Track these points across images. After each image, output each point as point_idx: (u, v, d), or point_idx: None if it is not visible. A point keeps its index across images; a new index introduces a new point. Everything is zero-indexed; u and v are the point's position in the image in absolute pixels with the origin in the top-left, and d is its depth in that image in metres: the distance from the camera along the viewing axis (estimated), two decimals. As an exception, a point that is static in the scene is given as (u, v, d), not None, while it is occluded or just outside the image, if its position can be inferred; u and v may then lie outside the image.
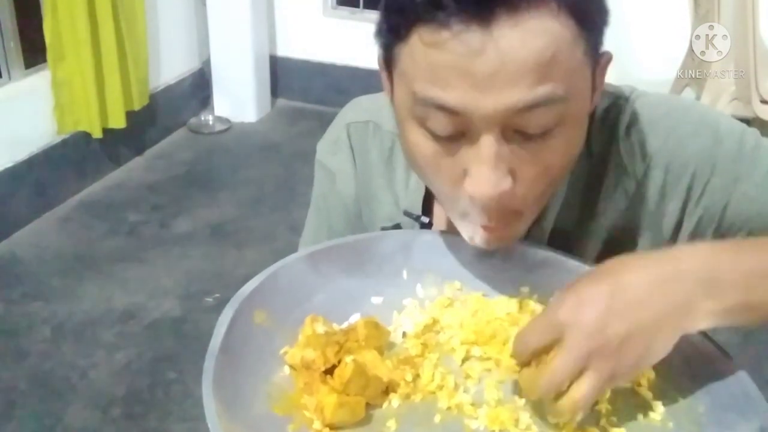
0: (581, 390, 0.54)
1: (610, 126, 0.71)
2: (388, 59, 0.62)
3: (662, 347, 0.56)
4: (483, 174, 0.58)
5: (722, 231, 0.70)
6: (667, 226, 0.72)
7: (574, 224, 0.75)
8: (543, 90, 0.55)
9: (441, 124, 0.58)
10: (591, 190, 0.73)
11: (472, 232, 0.66)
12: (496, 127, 0.57)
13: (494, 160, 0.57)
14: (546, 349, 0.56)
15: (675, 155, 0.69)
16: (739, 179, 0.68)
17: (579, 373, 0.54)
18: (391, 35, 0.60)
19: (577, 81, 0.58)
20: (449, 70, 0.55)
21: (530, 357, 0.57)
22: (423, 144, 0.61)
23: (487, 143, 0.57)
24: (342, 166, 0.84)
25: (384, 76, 0.66)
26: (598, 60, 0.62)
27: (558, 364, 0.54)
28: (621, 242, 0.74)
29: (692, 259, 0.57)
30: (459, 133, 0.58)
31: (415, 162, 0.64)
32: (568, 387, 0.55)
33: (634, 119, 0.71)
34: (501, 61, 0.54)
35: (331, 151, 0.85)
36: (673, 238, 0.73)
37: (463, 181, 0.60)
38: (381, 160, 0.82)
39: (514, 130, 0.57)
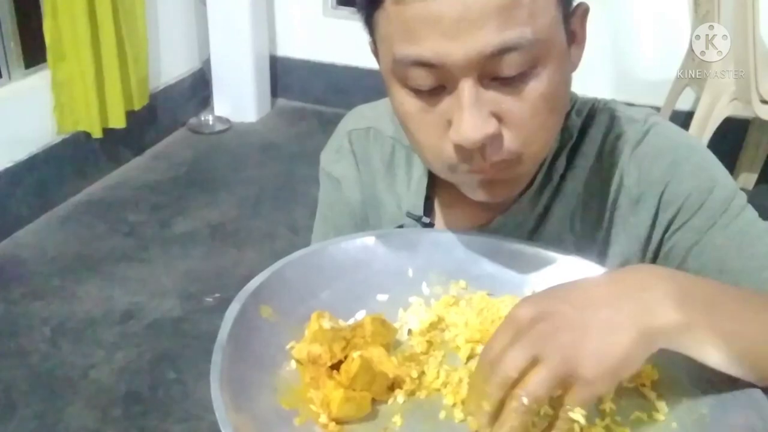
0: (530, 376, 0.51)
1: (622, 144, 0.74)
2: (371, 30, 0.66)
3: (628, 345, 0.52)
4: (464, 119, 0.60)
5: (683, 269, 0.72)
6: (649, 252, 0.75)
7: (575, 222, 0.77)
8: (510, 33, 0.58)
9: (421, 78, 0.61)
10: (595, 197, 0.76)
11: (472, 184, 0.68)
12: (471, 74, 0.59)
13: (474, 105, 0.60)
14: None
15: (670, 188, 0.72)
16: (714, 227, 0.71)
17: (530, 361, 0.51)
18: (368, 5, 0.64)
19: (545, 24, 0.60)
20: (418, 22, 0.58)
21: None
22: (407, 102, 0.64)
23: (466, 89, 0.60)
24: (346, 173, 0.86)
25: (373, 50, 0.69)
26: (572, 9, 0.65)
27: (509, 350, 0.52)
28: (611, 262, 0.76)
29: (661, 272, 0.57)
30: (439, 86, 0.61)
31: (403, 123, 0.67)
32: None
33: (645, 143, 0.74)
34: (464, 6, 0.57)
35: (334, 159, 0.87)
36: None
37: (448, 133, 0.62)
38: (382, 165, 0.84)
39: (491, 77, 0.60)
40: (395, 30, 0.61)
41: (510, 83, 0.60)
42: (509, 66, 0.59)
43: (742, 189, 0.73)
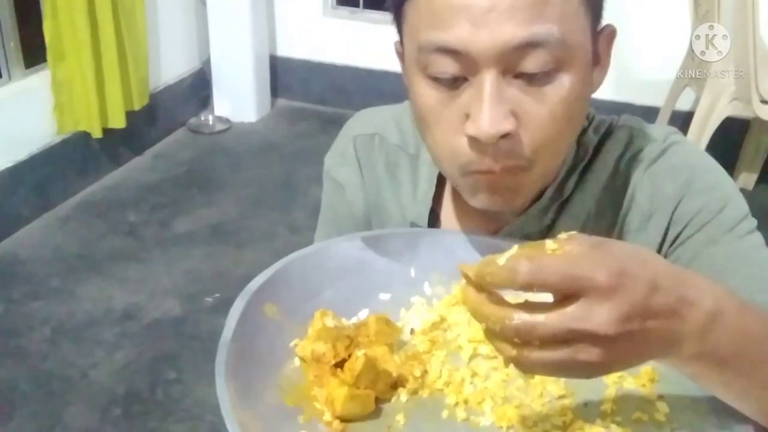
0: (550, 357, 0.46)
1: (638, 161, 0.74)
2: (399, 23, 0.66)
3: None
4: (483, 112, 0.59)
5: None
6: None
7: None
8: (538, 28, 0.58)
9: (444, 65, 0.61)
10: (606, 213, 0.75)
11: (476, 189, 0.66)
12: (495, 66, 0.59)
13: (495, 98, 0.59)
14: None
15: (682, 205, 0.71)
16: (716, 245, 0.70)
17: (563, 341, 0.45)
18: None
19: (573, 27, 0.60)
20: (448, 10, 0.59)
21: (507, 285, 0.47)
22: (427, 94, 0.63)
23: (488, 81, 0.59)
24: (350, 178, 0.86)
25: (398, 50, 0.70)
26: (598, 28, 0.65)
27: (559, 315, 0.45)
28: None
29: (715, 297, 0.51)
30: (461, 76, 0.61)
31: (421, 118, 0.66)
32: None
33: (662, 160, 0.73)
34: None
35: (338, 163, 0.87)
36: None
37: (465, 127, 0.61)
38: (387, 173, 0.84)
39: (514, 75, 0.60)
40: (423, 18, 0.61)
41: (532, 82, 0.60)
42: (533, 63, 0.59)
43: (742, 189, 0.73)
